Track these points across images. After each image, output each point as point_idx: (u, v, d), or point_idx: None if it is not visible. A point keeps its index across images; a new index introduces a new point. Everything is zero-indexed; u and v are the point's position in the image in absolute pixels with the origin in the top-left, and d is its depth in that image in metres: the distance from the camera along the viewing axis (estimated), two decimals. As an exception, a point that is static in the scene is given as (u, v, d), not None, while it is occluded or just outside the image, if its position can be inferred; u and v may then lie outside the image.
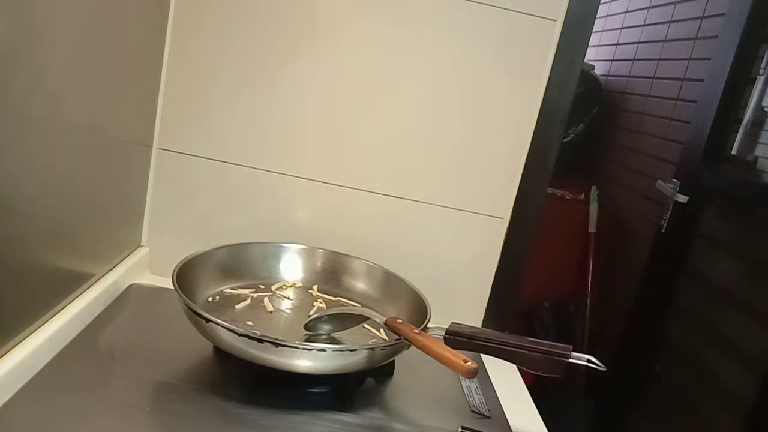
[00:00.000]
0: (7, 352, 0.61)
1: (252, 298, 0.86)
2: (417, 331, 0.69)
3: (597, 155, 2.44)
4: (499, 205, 0.99)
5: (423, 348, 0.66)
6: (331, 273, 0.94)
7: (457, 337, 0.70)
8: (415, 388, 0.80)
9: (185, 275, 0.76)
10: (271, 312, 0.84)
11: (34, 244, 0.65)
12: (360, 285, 0.93)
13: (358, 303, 0.90)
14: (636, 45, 2.37)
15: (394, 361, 0.79)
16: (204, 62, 0.92)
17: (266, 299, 0.86)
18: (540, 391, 0.97)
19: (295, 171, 0.97)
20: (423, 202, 0.98)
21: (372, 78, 0.94)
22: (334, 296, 0.92)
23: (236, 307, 0.83)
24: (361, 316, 0.80)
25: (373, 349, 0.69)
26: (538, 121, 0.96)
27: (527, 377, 0.90)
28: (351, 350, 0.69)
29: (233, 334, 0.65)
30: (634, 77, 2.35)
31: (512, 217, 0.99)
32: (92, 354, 0.71)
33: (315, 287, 0.93)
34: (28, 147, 0.59)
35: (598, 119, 2.37)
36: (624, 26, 2.53)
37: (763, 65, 1.58)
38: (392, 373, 0.80)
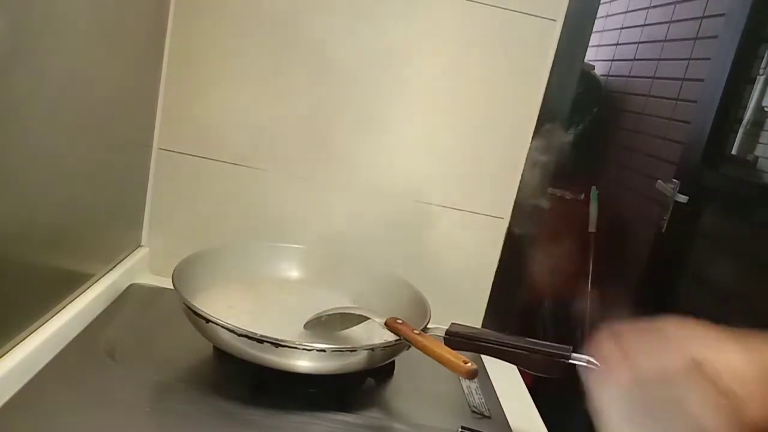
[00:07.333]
0: (7, 352, 0.61)
1: (252, 298, 0.85)
2: (417, 331, 0.69)
3: (597, 155, 2.44)
4: (499, 205, 0.99)
5: (423, 348, 0.66)
6: (330, 273, 0.94)
7: (457, 338, 0.70)
8: (415, 388, 0.80)
9: (185, 275, 0.76)
10: (270, 312, 0.84)
11: (35, 244, 0.65)
12: (360, 285, 0.93)
13: (358, 303, 0.90)
14: (636, 45, 2.37)
15: (394, 361, 0.79)
16: (204, 62, 0.92)
17: (266, 299, 0.86)
18: (540, 391, 0.97)
19: (295, 171, 0.97)
20: (423, 202, 0.98)
21: (372, 78, 0.94)
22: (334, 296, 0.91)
23: (237, 307, 0.83)
24: (361, 316, 0.80)
25: (373, 349, 0.69)
26: (538, 121, 0.96)
27: (527, 377, 0.90)
28: (351, 350, 0.69)
29: (233, 334, 0.65)
30: (634, 77, 2.35)
31: (512, 217, 0.99)
32: (92, 354, 0.71)
33: (315, 287, 0.92)
34: (28, 147, 0.59)
35: (598, 119, 2.36)
36: (624, 26, 2.53)
37: (763, 65, 1.58)
38: (392, 373, 0.80)
